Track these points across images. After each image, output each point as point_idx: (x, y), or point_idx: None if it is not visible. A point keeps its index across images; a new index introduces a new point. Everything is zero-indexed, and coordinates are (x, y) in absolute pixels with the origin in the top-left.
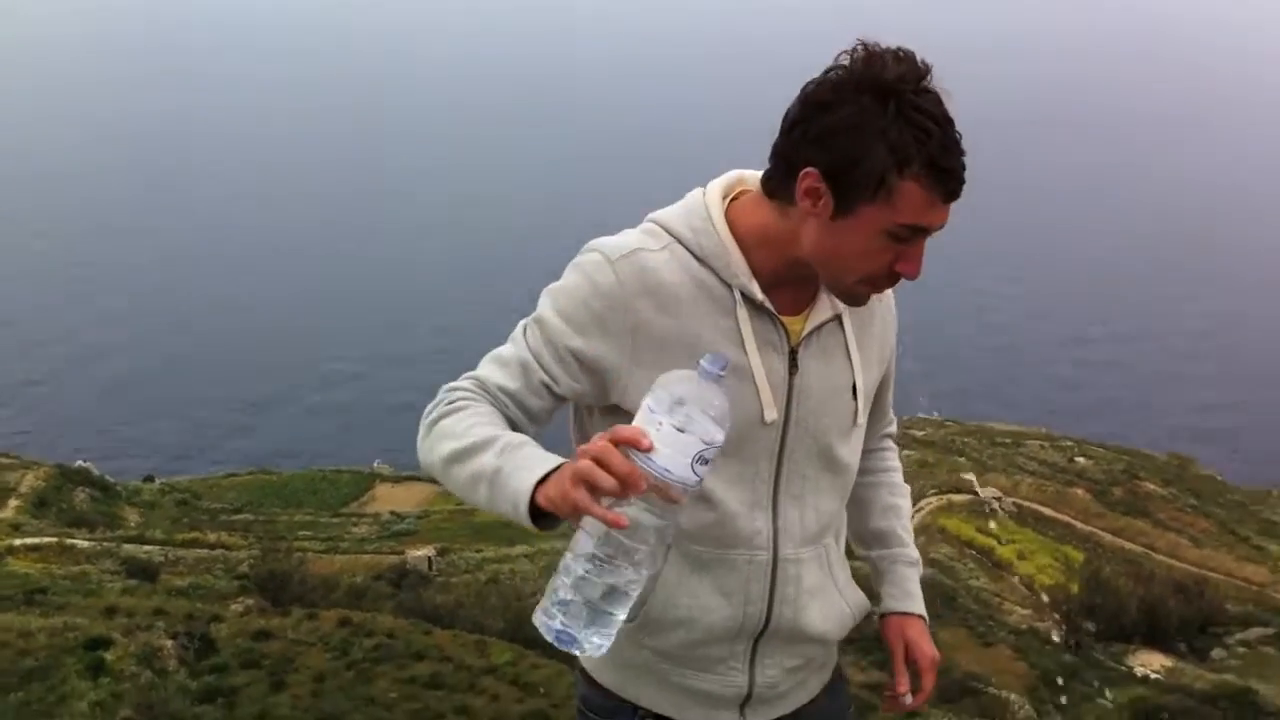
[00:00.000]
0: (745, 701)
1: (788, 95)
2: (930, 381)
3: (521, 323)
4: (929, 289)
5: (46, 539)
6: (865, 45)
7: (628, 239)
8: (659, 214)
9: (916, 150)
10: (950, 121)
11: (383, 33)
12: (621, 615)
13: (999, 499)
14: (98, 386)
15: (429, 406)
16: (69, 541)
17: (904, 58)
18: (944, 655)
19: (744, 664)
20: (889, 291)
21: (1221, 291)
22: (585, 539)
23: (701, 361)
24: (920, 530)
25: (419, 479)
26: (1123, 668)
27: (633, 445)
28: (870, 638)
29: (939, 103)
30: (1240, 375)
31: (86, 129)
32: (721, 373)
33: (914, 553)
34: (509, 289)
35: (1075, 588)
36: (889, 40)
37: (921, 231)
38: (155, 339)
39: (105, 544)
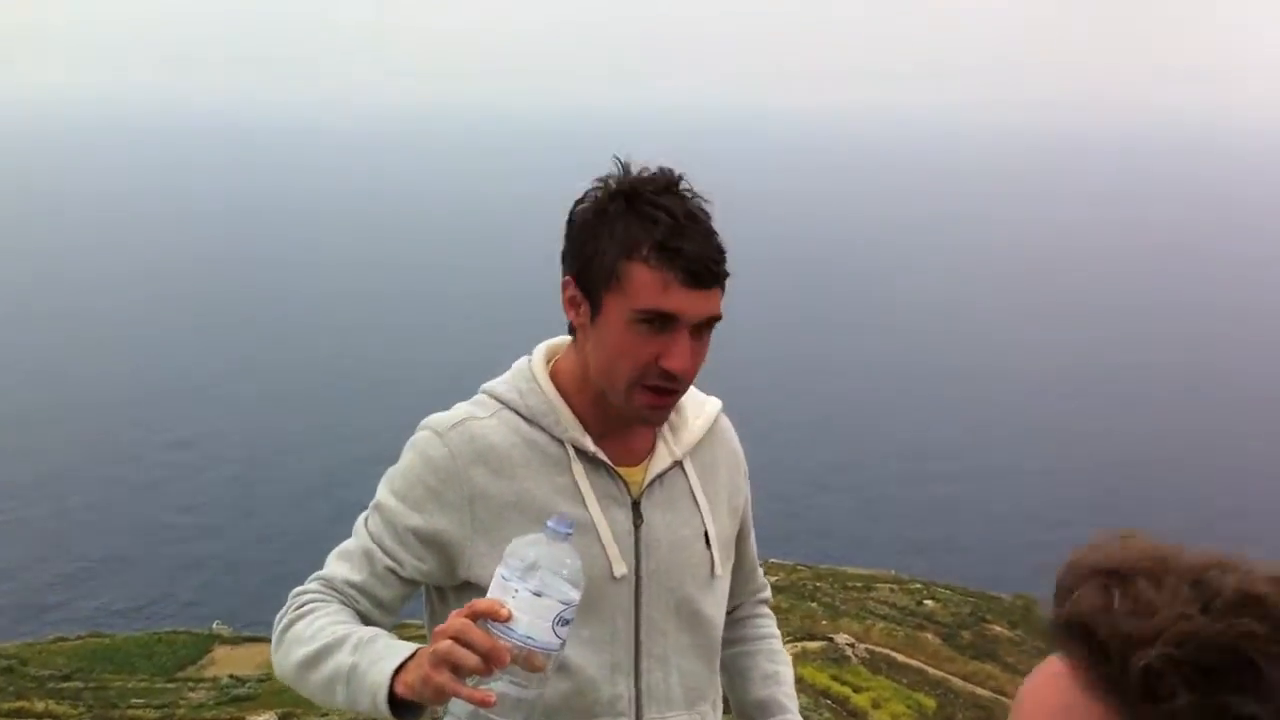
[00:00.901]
0: None
1: None
2: (783, 522)
3: (362, 514)
4: (780, 427)
5: None
6: (622, 163)
7: (457, 411)
8: (488, 384)
9: (643, 236)
10: (692, 215)
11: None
12: None
13: (852, 645)
14: None
15: (279, 614)
16: None
17: (655, 171)
18: None
19: None
20: (729, 436)
21: (1055, 419)
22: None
23: (548, 523)
24: None
25: (259, 639)
26: None
27: (491, 617)
28: None
29: (683, 202)
30: (1083, 506)
31: None
32: (569, 531)
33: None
34: (366, 435)
35: None
36: None
37: (668, 318)
38: None
39: None
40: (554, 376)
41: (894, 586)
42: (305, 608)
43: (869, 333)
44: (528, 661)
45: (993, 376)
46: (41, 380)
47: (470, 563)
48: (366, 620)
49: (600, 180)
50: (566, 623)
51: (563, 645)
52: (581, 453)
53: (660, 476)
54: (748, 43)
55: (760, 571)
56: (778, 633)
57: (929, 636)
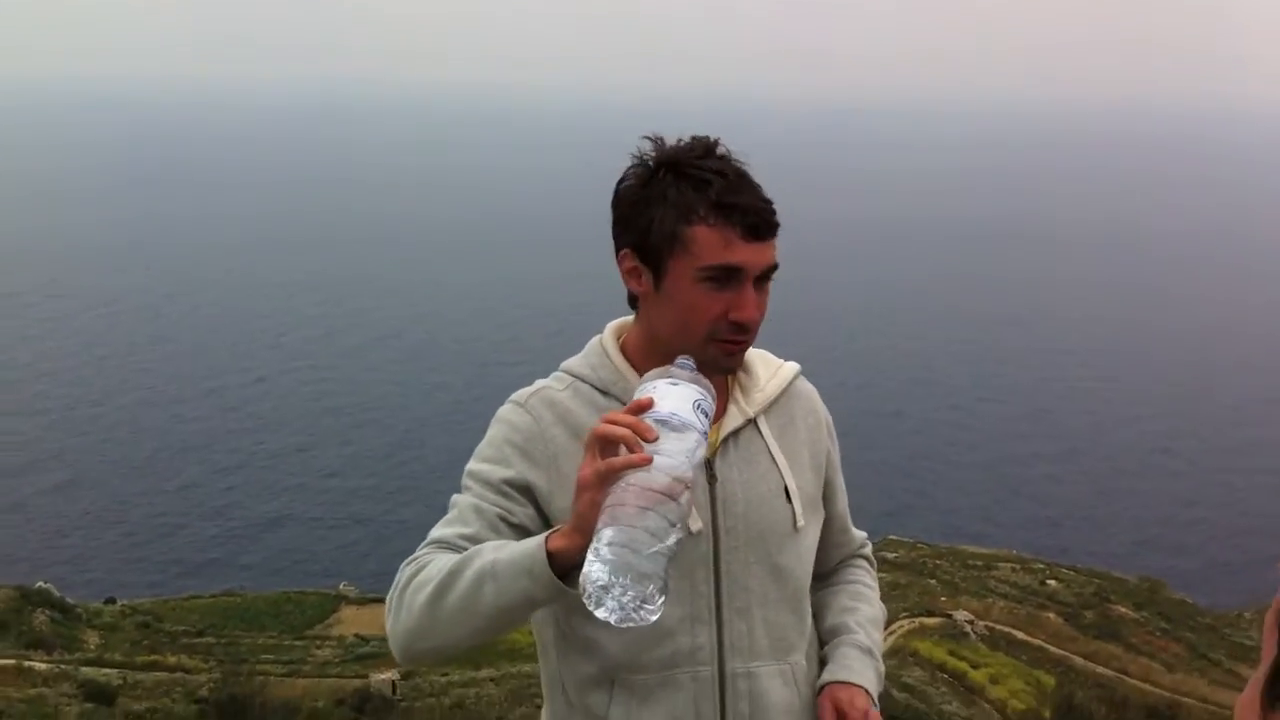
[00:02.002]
0: None
1: None
2: (903, 502)
3: (454, 495)
4: (902, 408)
5: (4, 661)
6: (655, 138)
7: (534, 384)
8: (565, 362)
9: (698, 198)
10: (740, 173)
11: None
12: (658, 584)
13: (971, 622)
14: (62, 506)
15: (390, 592)
16: (27, 664)
17: (691, 140)
18: None
19: None
20: (808, 395)
21: (1191, 410)
22: (621, 515)
23: (677, 360)
24: (892, 653)
25: (384, 601)
26: None
27: (633, 410)
28: None
29: (724, 160)
30: (1214, 495)
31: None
32: (693, 365)
33: (864, 639)
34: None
35: (1047, 713)
36: None
37: (733, 272)
38: (123, 461)
39: (63, 666)
40: (624, 349)
41: (1016, 566)
42: (420, 563)
43: (1004, 316)
44: (676, 437)
45: (1124, 357)
46: (200, 353)
47: (561, 513)
48: None
49: (637, 157)
50: (706, 414)
51: (703, 434)
52: None
53: (734, 436)
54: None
55: (854, 529)
56: (871, 581)
57: (1051, 616)
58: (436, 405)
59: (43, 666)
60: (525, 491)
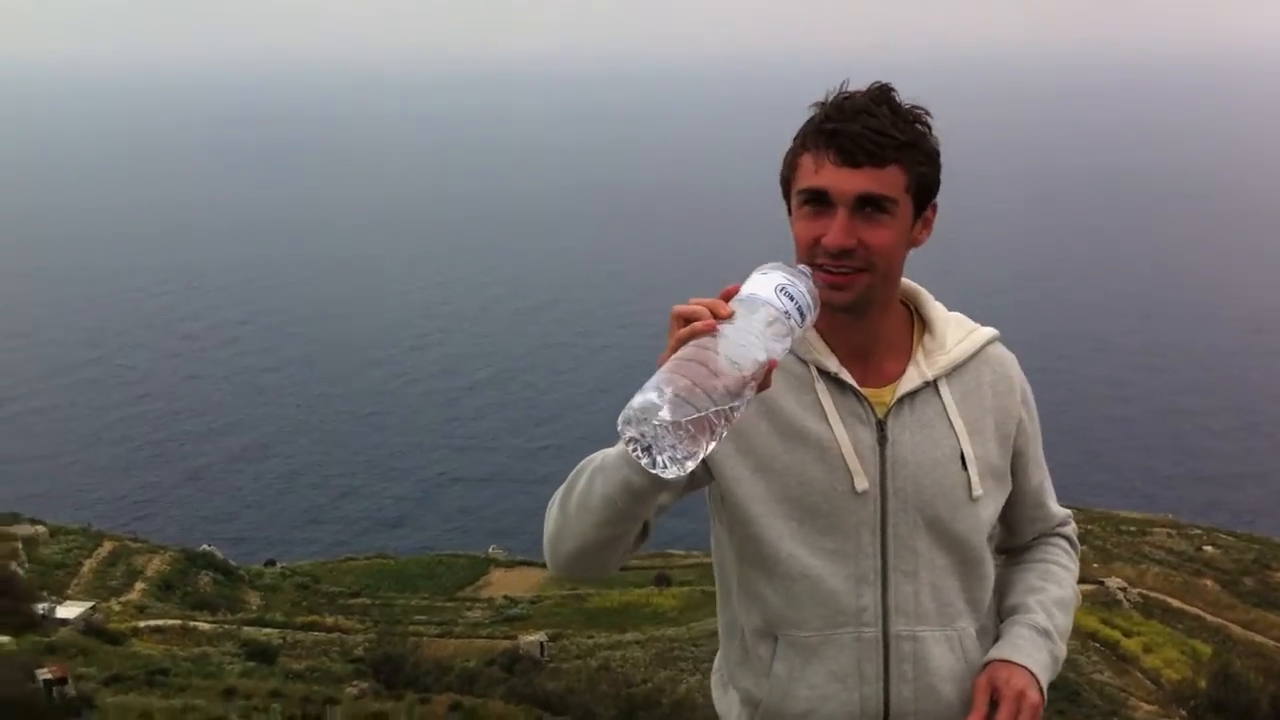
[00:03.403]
0: None
1: None
2: (1054, 464)
3: None
4: (1061, 372)
5: (170, 621)
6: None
7: None
8: None
9: (809, 128)
10: (858, 107)
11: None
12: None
13: (1124, 589)
14: (218, 472)
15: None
16: (191, 624)
17: (845, 91)
18: None
19: None
20: (1001, 361)
21: None
22: (683, 367)
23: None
24: None
25: (533, 564)
26: None
27: (722, 296)
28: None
29: (858, 99)
30: None
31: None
32: (809, 274)
33: (1041, 619)
34: (612, 391)
35: (1203, 683)
36: None
37: (821, 196)
38: (276, 426)
39: (226, 626)
40: None
41: (1171, 531)
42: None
43: (1162, 278)
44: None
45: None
46: (358, 326)
47: (718, 464)
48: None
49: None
50: (792, 297)
51: (788, 315)
52: (825, 373)
53: (910, 397)
54: None
55: (1054, 506)
56: (1068, 561)
57: (1208, 583)
58: (599, 368)
59: (207, 626)
60: None
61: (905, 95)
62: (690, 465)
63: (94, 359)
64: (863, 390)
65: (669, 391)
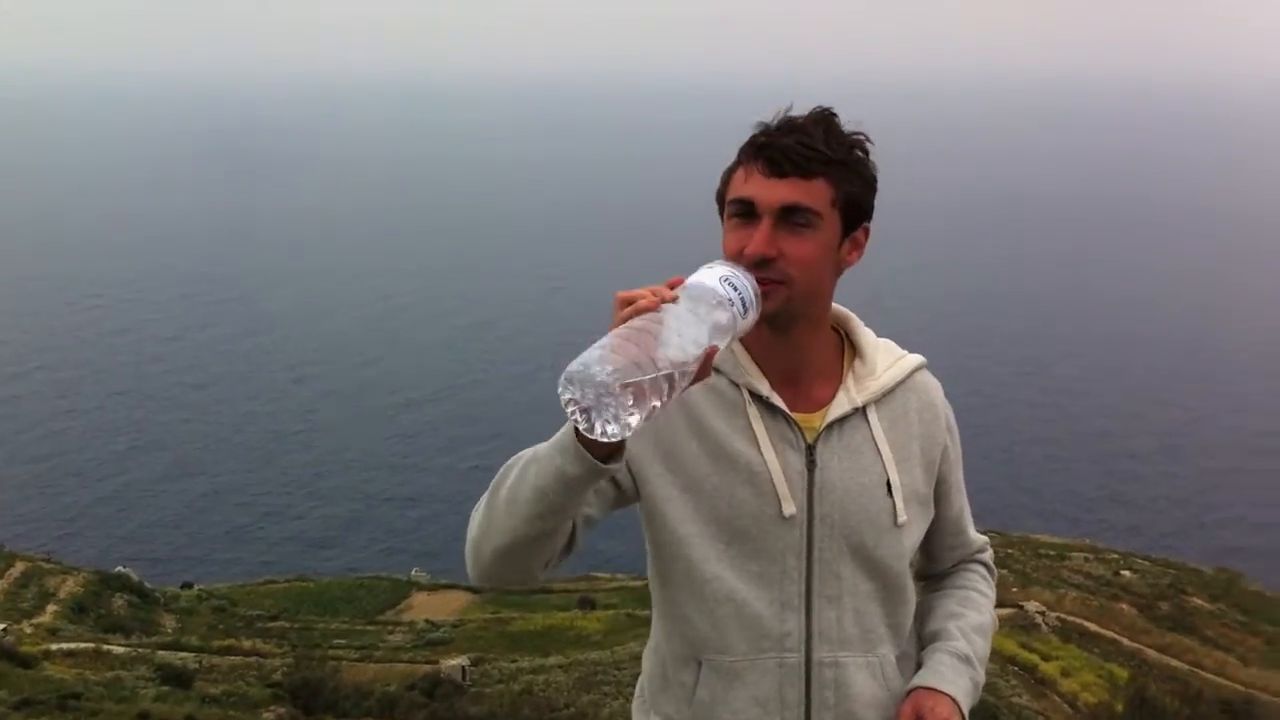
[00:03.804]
0: None
1: None
2: (973, 493)
3: None
4: (979, 397)
5: (83, 644)
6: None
7: None
8: None
9: (744, 146)
10: (795, 125)
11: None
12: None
13: (1043, 613)
14: (136, 492)
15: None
16: (105, 647)
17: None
18: None
19: None
20: (926, 389)
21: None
22: (627, 335)
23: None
24: None
25: (455, 587)
26: None
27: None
28: None
29: (794, 119)
30: None
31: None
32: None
33: (962, 646)
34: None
35: (1120, 706)
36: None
37: (747, 205)
38: (201, 444)
39: (140, 650)
40: None
41: (1089, 556)
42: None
43: (1075, 305)
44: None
45: (1207, 348)
46: (291, 340)
47: (647, 481)
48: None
49: None
50: (735, 288)
51: (731, 298)
52: (757, 397)
53: (840, 423)
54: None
55: (973, 533)
56: (985, 588)
57: (1124, 607)
58: (536, 388)
59: (121, 649)
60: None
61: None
62: (627, 431)
63: (14, 374)
64: (793, 415)
65: (612, 355)
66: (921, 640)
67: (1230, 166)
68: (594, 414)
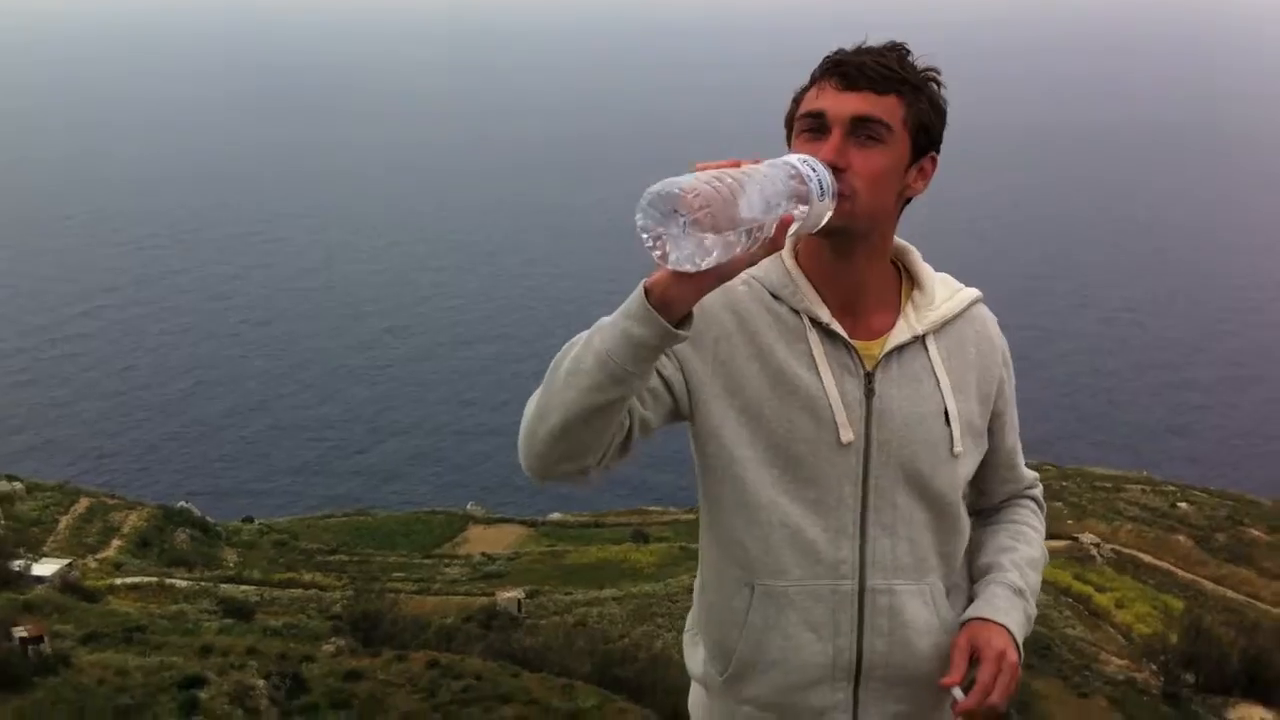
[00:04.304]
0: None
1: None
2: (1029, 423)
3: None
4: (1033, 330)
5: (147, 578)
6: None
7: None
8: None
9: (817, 67)
10: (867, 47)
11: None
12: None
13: (1097, 545)
14: (200, 428)
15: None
16: (168, 581)
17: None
18: (1038, 706)
19: (848, 714)
20: (985, 321)
21: None
22: (706, 173)
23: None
24: None
25: (511, 521)
26: None
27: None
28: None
29: (865, 46)
30: None
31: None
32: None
33: (1015, 578)
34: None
35: (1174, 637)
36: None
37: (818, 118)
38: (254, 385)
39: (203, 584)
40: (798, 254)
41: (1145, 488)
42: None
43: (1132, 243)
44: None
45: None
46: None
47: (705, 401)
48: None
49: None
50: (814, 168)
51: (807, 176)
52: (817, 324)
53: (899, 351)
54: None
55: (1025, 468)
56: (1036, 523)
57: (1181, 539)
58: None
59: (183, 583)
60: (682, 361)
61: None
62: (702, 259)
63: (82, 312)
64: (853, 342)
65: (697, 184)
66: (973, 574)
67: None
68: (670, 242)
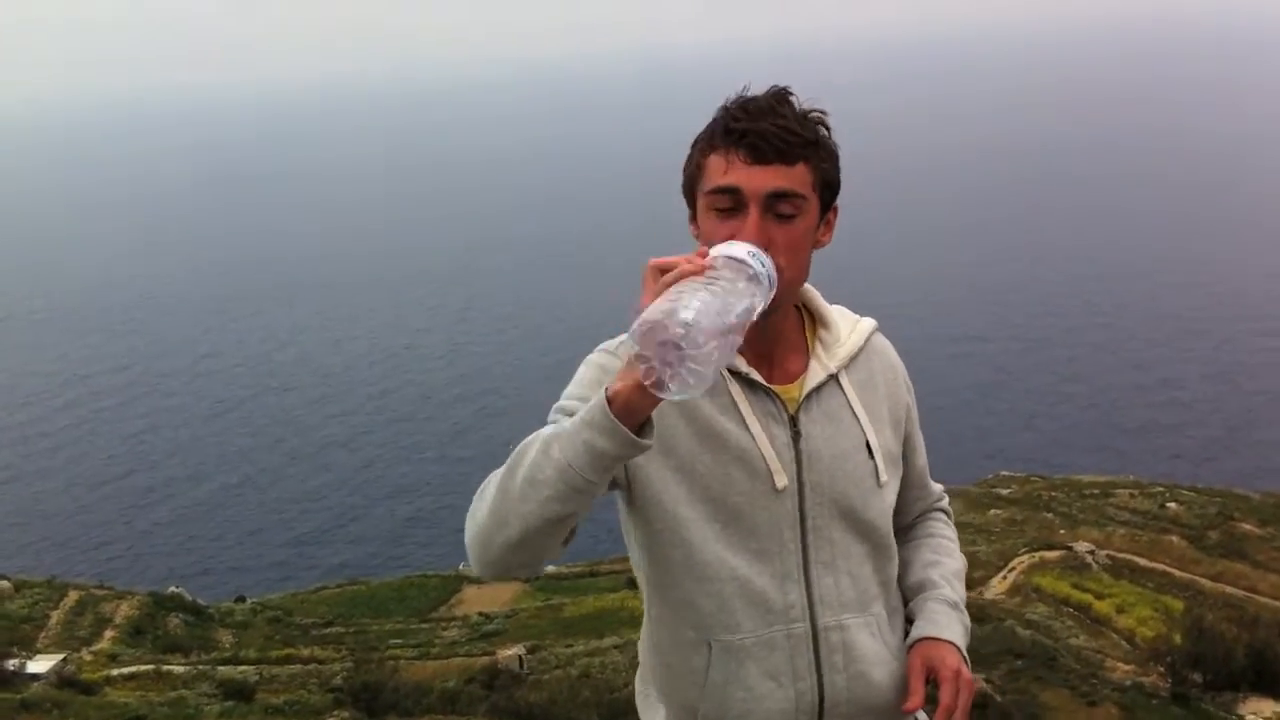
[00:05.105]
0: None
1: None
2: (1013, 435)
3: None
4: (1010, 340)
5: (143, 667)
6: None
7: (621, 336)
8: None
9: (716, 130)
10: (764, 108)
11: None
12: (717, 355)
13: (1092, 552)
14: (185, 512)
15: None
16: (165, 668)
17: (768, 89)
18: (1047, 718)
19: None
20: (884, 350)
21: None
22: (687, 290)
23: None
24: (1015, 590)
25: (505, 578)
26: (1233, 718)
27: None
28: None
29: (760, 101)
30: None
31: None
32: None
33: (949, 593)
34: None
35: (1178, 638)
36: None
37: (733, 193)
38: (230, 461)
39: (200, 667)
40: None
41: (1134, 492)
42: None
43: (1093, 252)
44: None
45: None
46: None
47: (642, 466)
48: None
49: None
50: (763, 264)
51: (753, 268)
52: (737, 374)
53: (816, 392)
54: None
55: (932, 483)
56: (951, 534)
57: (1174, 539)
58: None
59: (181, 668)
60: None
61: (829, 83)
62: (701, 389)
63: (59, 407)
64: (772, 388)
65: (693, 302)
66: (905, 592)
67: (1234, 87)
68: (670, 370)
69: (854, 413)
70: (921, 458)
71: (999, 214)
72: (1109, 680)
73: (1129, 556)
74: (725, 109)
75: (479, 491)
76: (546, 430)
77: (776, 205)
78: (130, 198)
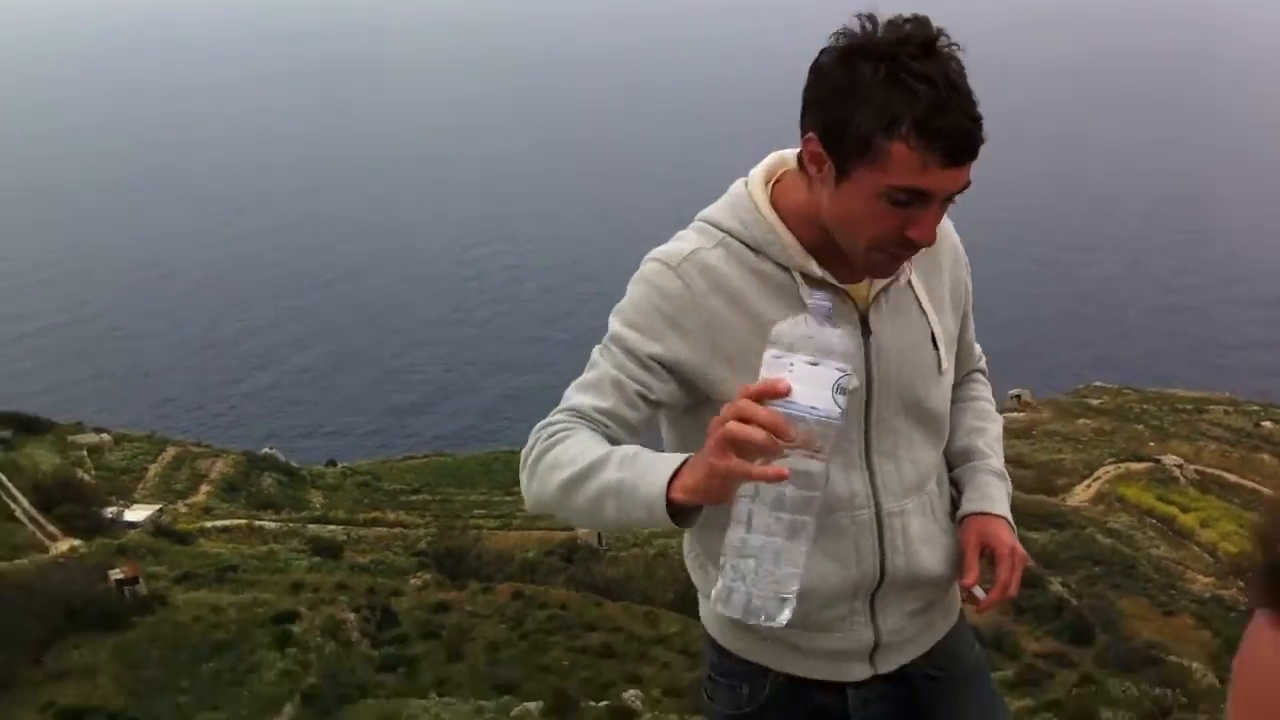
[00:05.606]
0: (874, 651)
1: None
2: (1107, 347)
3: (596, 349)
4: (1109, 251)
5: (236, 521)
6: (872, 15)
7: (683, 243)
8: (707, 212)
9: (903, 111)
10: (953, 85)
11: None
12: (797, 578)
13: (1180, 466)
14: (284, 377)
15: (525, 450)
16: (257, 523)
17: (911, 22)
18: (1125, 625)
19: (866, 617)
20: (948, 233)
21: None
22: (750, 510)
23: (809, 301)
24: (1098, 499)
25: None
26: None
27: (770, 394)
28: (1043, 606)
29: (943, 66)
30: None
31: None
32: (829, 307)
33: (996, 463)
34: None
35: (1261, 556)
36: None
37: (921, 195)
38: (333, 332)
39: (291, 524)
40: (775, 201)
41: (1228, 408)
42: (556, 436)
43: (1219, 159)
44: (808, 442)
45: None
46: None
47: (713, 385)
48: (615, 444)
49: (845, 33)
50: (845, 391)
51: (843, 415)
52: (808, 277)
53: (885, 290)
54: None
55: (976, 346)
56: (988, 394)
57: (1265, 458)
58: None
59: (272, 525)
60: (673, 368)
61: None
62: (766, 617)
63: (165, 274)
64: (843, 288)
65: (782, 580)
66: (949, 457)
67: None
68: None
69: (921, 307)
70: (971, 328)
71: (1111, 124)
72: (1188, 591)
73: (1218, 472)
74: (910, 87)
75: (534, 458)
76: (605, 474)
77: (952, 198)
78: (255, 80)
